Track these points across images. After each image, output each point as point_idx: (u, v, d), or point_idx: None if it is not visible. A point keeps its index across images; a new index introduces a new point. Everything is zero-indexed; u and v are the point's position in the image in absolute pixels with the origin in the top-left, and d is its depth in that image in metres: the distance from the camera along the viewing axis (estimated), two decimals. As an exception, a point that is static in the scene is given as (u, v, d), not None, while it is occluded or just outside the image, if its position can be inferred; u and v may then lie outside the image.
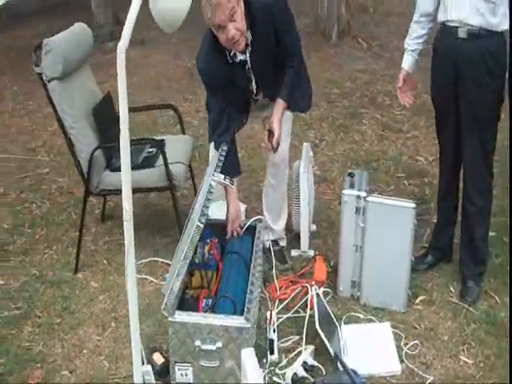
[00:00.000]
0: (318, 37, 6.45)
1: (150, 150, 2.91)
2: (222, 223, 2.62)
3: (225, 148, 2.40)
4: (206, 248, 2.52)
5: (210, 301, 2.25)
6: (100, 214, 3.50)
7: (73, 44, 2.88)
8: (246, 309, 2.08)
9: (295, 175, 2.90)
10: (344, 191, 2.51)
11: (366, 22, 6.96)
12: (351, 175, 2.60)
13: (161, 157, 2.79)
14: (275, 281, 2.79)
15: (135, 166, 2.82)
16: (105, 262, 3.11)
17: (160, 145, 2.78)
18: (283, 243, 3.05)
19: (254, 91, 2.61)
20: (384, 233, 2.45)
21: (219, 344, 2.05)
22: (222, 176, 2.19)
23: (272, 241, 2.98)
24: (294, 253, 3.03)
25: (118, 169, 2.79)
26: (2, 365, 2.47)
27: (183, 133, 3.32)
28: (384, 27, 6.70)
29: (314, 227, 3.16)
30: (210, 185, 2.09)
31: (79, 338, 2.60)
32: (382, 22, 6.89)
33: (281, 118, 2.57)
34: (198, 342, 2.07)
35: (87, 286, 2.95)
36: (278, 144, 2.59)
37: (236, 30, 2.26)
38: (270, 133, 2.55)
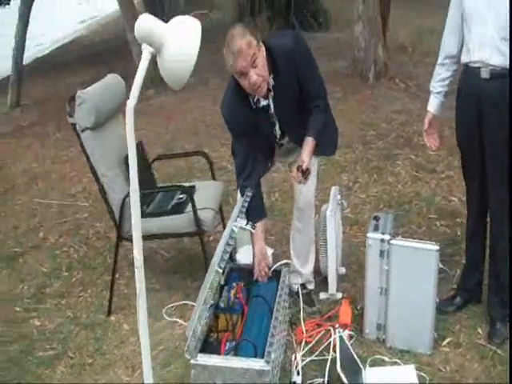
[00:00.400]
0: (355, 79, 6.51)
1: (181, 196, 2.99)
2: (249, 268, 2.65)
3: (249, 193, 2.45)
4: (232, 292, 2.55)
5: (233, 344, 2.27)
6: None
7: (105, 95, 3.01)
8: (266, 352, 2.09)
9: (322, 219, 2.92)
10: (368, 234, 2.51)
11: (403, 62, 6.98)
12: (376, 218, 2.61)
13: (190, 203, 2.88)
14: (302, 324, 2.79)
15: (165, 212, 2.93)
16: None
17: (189, 191, 2.85)
18: (311, 286, 3.05)
19: (278, 136, 2.66)
20: (408, 275, 2.44)
21: (239, 387, 2.06)
22: (244, 222, 2.23)
23: (300, 284, 2.99)
24: (322, 296, 3.02)
25: (147, 215, 2.92)
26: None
27: (214, 179, 3.41)
28: (422, 67, 6.64)
29: (342, 270, 3.15)
30: (232, 230, 2.14)
31: (110, 378, 2.65)
32: (420, 62, 6.86)
33: (310, 153, 2.55)
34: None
35: (119, 328, 3.00)
36: (308, 173, 2.55)
37: (258, 75, 2.29)
38: (299, 167, 2.57)
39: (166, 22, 1.40)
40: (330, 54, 7.23)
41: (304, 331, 2.72)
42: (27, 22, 7.18)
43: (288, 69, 2.42)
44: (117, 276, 3.40)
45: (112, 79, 3.17)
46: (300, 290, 2.96)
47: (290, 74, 2.44)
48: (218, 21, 10.59)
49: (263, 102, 2.49)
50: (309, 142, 2.56)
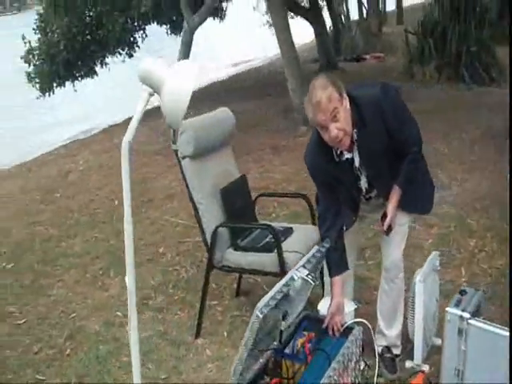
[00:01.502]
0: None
1: (278, 236, 3.03)
2: (323, 319, 2.60)
3: (325, 245, 2.42)
4: (300, 341, 2.52)
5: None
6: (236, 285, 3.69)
7: (208, 127, 3.15)
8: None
9: (412, 285, 2.77)
10: (448, 309, 2.34)
11: None
12: (462, 293, 2.42)
13: (284, 243, 2.91)
14: (375, 387, 2.66)
15: (255, 249, 2.99)
16: (225, 333, 3.24)
17: (275, 233, 2.87)
18: (397, 351, 2.89)
19: (364, 190, 2.58)
20: (485, 359, 2.22)
21: None
22: (306, 272, 2.20)
23: (385, 347, 2.86)
24: (408, 364, 2.84)
25: (242, 249, 3.01)
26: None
27: (313, 223, 3.40)
28: None
29: (438, 341, 2.94)
30: (291, 278, 2.13)
31: (177, 398, 2.76)
32: None
33: (395, 204, 2.47)
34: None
35: (202, 352, 3.09)
36: (390, 228, 2.50)
37: (338, 129, 2.23)
38: (384, 215, 2.51)
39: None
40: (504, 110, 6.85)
41: (374, 397, 2.59)
42: (189, 50, 7.87)
43: (375, 120, 2.32)
44: (215, 302, 3.55)
45: (221, 112, 3.32)
46: (383, 353, 2.82)
47: (378, 126, 2.33)
48: (392, 64, 10.58)
49: (347, 155, 2.42)
50: (395, 192, 2.47)
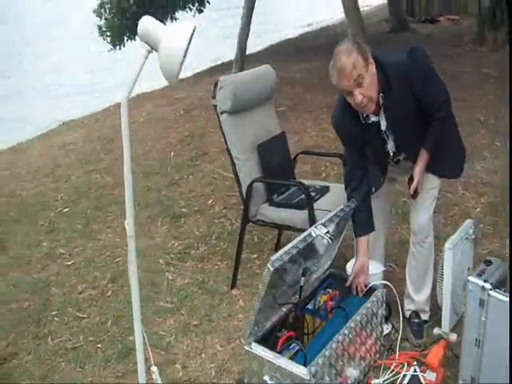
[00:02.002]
0: None
1: (311, 193, 3.03)
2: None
3: (350, 204, 2.41)
4: (323, 298, 2.55)
5: (298, 346, 2.29)
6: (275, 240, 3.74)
7: (250, 83, 3.15)
8: (314, 362, 2.08)
9: (443, 251, 2.72)
10: (469, 278, 2.29)
11: None
12: (487, 263, 2.35)
13: (318, 201, 2.92)
14: (397, 352, 2.66)
15: (289, 205, 3.02)
16: (260, 286, 3.33)
17: (307, 191, 2.87)
18: (425, 317, 2.86)
19: (391, 153, 2.54)
20: (504, 331, 2.16)
21: (283, 386, 2.09)
22: (324, 230, 2.21)
23: (412, 311, 2.84)
24: (436, 331, 2.80)
25: (276, 204, 3.05)
26: (131, 342, 2.89)
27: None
28: None
29: (467, 310, 2.90)
30: (309, 234, 2.15)
31: (205, 343, 2.86)
32: None
33: (422, 168, 2.45)
34: (266, 377, 2.14)
35: (235, 302, 3.19)
36: (417, 192, 2.48)
37: (363, 95, 2.22)
38: (411, 178, 2.48)
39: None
40: None
41: (396, 359, 2.59)
42: (252, 6, 7.80)
43: (402, 85, 2.28)
44: (255, 256, 3.63)
45: (264, 69, 3.30)
46: (411, 318, 2.81)
47: (404, 90, 2.29)
48: (465, 28, 10.07)
49: (373, 118, 2.39)
50: (422, 156, 2.43)
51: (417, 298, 2.82)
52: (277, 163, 3.15)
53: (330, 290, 2.61)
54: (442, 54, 7.16)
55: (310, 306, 2.54)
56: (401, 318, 2.71)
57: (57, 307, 3.26)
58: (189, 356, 2.78)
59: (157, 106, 7.53)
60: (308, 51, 9.94)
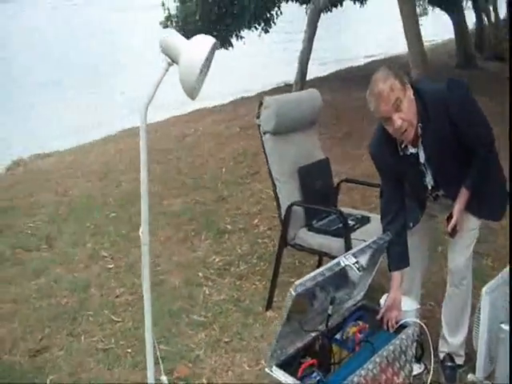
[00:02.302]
0: None
1: (350, 222, 3.01)
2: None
3: (385, 237, 2.37)
4: (352, 329, 2.51)
5: (320, 376, 2.26)
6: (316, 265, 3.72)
7: (292, 105, 3.15)
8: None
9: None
10: (502, 325, 2.21)
11: None
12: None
13: (357, 231, 2.90)
14: (427, 393, 2.59)
15: (327, 232, 3.01)
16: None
17: (344, 219, 2.85)
18: (459, 361, 2.77)
19: (429, 187, 2.47)
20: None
21: (300, 415, 2.08)
22: (353, 260, 2.18)
23: (446, 354, 2.76)
24: (470, 377, 2.72)
25: (315, 230, 3.05)
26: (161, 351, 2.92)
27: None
28: None
29: (508, 359, 2.79)
30: (338, 263, 2.13)
31: (233, 361, 2.86)
32: None
33: (462, 207, 2.38)
34: (284, 402, 2.13)
35: (268, 323, 3.18)
36: (455, 231, 2.42)
37: (402, 120, 2.16)
38: (450, 217, 2.42)
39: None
40: None
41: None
42: (314, 31, 7.85)
43: (440, 116, 2.21)
44: (294, 279, 3.60)
45: (310, 93, 3.32)
46: (445, 361, 2.73)
47: (443, 122, 2.22)
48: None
49: (411, 150, 2.33)
50: (462, 194, 2.36)
51: (451, 340, 2.74)
52: (318, 188, 3.15)
53: (360, 323, 2.57)
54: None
55: (338, 336, 2.51)
56: (432, 359, 2.65)
57: (93, 308, 3.34)
58: (215, 372, 2.79)
59: (215, 121, 7.67)
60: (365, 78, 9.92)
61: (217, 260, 3.90)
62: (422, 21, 11.27)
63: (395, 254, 2.49)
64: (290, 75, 9.90)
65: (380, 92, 2.13)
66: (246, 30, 8.89)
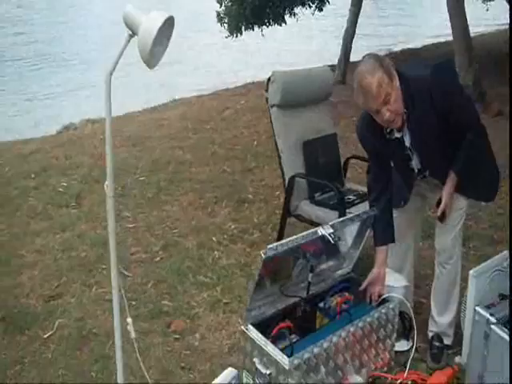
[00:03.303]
0: None
1: (351, 197, 3.08)
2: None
3: (369, 212, 2.43)
4: (336, 299, 2.60)
5: (296, 338, 2.38)
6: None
7: (300, 80, 3.22)
8: (297, 355, 2.16)
9: (470, 277, 2.66)
10: (477, 308, 2.25)
11: None
12: (502, 297, 2.29)
13: (356, 206, 2.97)
14: (407, 369, 2.65)
15: (326, 205, 3.11)
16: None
17: (340, 193, 2.93)
18: (448, 341, 2.80)
19: (416, 169, 2.50)
20: (503, 368, 2.12)
21: (269, 371, 2.20)
22: (330, 230, 2.26)
23: (435, 334, 2.80)
24: (457, 359, 2.76)
25: (316, 202, 3.14)
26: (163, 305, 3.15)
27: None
28: None
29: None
30: (315, 231, 2.23)
31: (228, 321, 3.02)
32: None
33: (450, 190, 2.41)
34: (256, 360, 2.25)
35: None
36: (444, 215, 2.45)
37: (390, 112, 2.18)
38: (439, 201, 2.46)
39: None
40: None
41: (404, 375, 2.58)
42: (358, 13, 7.76)
43: (425, 101, 2.23)
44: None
45: (321, 70, 3.38)
46: (433, 341, 2.78)
47: (428, 107, 2.24)
48: None
49: (396, 135, 2.35)
50: (450, 177, 2.39)
51: (440, 320, 2.78)
52: (323, 163, 3.23)
53: (346, 294, 2.66)
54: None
55: (321, 305, 2.61)
56: (415, 337, 2.71)
57: (108, 262, 3.56)
58: (210, 329, 2.97)
59: (258, 96, 7.74)
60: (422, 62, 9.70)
61: (232, 227, 4.04)
62: (489, 5, 10.90)
63: (380, 230, 2.54)
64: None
65: (368, 87, 2.14)
66: (299, 7, 8.84)
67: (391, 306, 2.57)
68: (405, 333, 2.81)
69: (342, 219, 2.38)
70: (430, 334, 2.79)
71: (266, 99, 3.20)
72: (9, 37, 15.38)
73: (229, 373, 2.28)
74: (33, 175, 4.93)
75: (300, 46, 13.26)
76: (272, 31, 8.86)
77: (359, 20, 8.27)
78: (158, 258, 3.64)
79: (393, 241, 2.60)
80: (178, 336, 2.91)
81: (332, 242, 2.26)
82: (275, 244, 2.13)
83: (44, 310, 3.12)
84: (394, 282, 2.75)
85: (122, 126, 6.35)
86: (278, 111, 3.17)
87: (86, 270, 3.48)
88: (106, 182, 1.94)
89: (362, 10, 8.12)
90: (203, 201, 4.45)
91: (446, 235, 2.59)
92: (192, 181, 4.80)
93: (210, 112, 6.85)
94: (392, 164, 2.56)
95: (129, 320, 2.13)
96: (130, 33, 1.73)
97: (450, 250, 2.62)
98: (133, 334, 2.13)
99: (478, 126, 2.40)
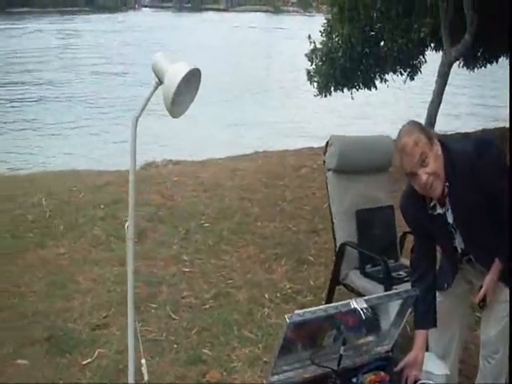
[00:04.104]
0: None
1: (401, 273, 3.01)
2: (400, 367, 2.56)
3: (411, 292, 2.36)
4: (370, 376, 2.52)
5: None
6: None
7: (358, 147, 3.22)
8: None
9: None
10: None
11: None
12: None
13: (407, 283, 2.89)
14: None
15: (375, 278, 3.04)
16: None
17: (386, 267, 2.86)
18: None
19: (459, 250, 2.39)
20: None
21: None
22: (364, 305, 2.21)
23: None
24: None
25: (365, 274, 3.09)
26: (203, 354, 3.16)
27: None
28: None
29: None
30: (346, 304, 2.19)
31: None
32: None
33: (493, 277, 2.29)
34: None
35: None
36: (484, 303, 2.34)
37: (428, 174, 2.11)
38: (481, 287, 2.35)
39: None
40: None
41: None
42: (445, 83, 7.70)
43: (467, 178, 2.13)
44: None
45: (381, 138, 3.35)
46: None
47: (471, 184, 2.14)
48: None
49: (439, 210, 2.26)
50: (495, 264, 2.28)
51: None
52: (377, 235, 3.17)
53: (382, 373, 2.57)
54: None
55: (354, 380, 2.54)
56: None
57: (158, 302, 3.66)
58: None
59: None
60: None
61: (287, 286, 4.01)
62: None
63: (420, 312, 2.44)
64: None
65: (404, 146, 2.11)
66: (390, 74, 8.90)
67: (427, 393, 2.46)
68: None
69: (378, 295, 2.32)
70: None
71: (323, 162, 3.24)
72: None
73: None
74: (102, 206, 5.17)
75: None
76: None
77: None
78: (207, 306, 3.67)
79: (434, 326, 2.49)
80: (210, 387, 2.93)
81: (363, 317, 2.21)
82: (303, 311, 2.12)
83: (88, 337, 3.22)
84: (435, 368, 2.64)
85: (198, 170, 6.59)
86: (333, 176, 3.19)
87: (136, 307, 3.57)
88: (127, 224, 2.01)
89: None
90: (263, 256, 4.47)
91: (491, 327, 2.43)
92: (255, 234, 4.84)
93: (287, 168, 6.95)
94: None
95: (143, 361, 2.18)
96: (157, 80, 1.84)
97: (494, 345, 2.45)
98: (145, 377, 2.16)
99: None
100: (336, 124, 12.02)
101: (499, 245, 2.27)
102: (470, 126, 11.63)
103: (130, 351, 2.14)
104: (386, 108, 13.76)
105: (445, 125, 9.39)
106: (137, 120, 1.90)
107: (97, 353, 3.10)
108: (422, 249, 2.47)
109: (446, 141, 2.24)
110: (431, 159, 2.12)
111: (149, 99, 1.86)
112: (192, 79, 1.83)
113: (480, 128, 10.71)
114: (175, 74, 1.77)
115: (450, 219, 2.31)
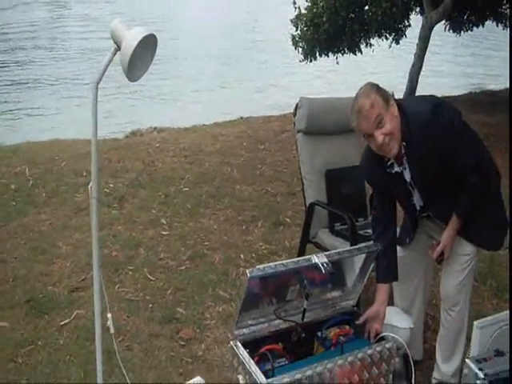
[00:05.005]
0: None
1: (369, 231, 3.06)
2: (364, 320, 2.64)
3: (370, 246, 2.42)
4: (334, 330, 2.60)
5: (283, 362, 2.41)
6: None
7: (328, 108, 3.25)
8: (277, 378, 2.19)
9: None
10: (467, 360, 2.19)
11: None
12: (497, 353, 2.23)
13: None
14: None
15: (343, 236, 3.11)
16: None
17: (352, 224, 2.93)
18: (450, 390, 2.76)
19: (418, 207, 2.47)
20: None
21: (247, 388, 2.25)
22: (325, 259, 2.27)
23: (438, 381, 2.75)
24: (457, 411, 2.71)
25: (333, 232, 3.16)
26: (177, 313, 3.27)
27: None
28: None
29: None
30: (309, 258, 2.26)
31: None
32: None
33: (451, 233, 2.38)
34: (240, 376, 2.31)
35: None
36: (441, 257, 2.43)
37: (384, 135, 2.16)
38: (437, 244, 2.44)
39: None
40: None
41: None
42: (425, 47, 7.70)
43: (423, 138, 2.19)
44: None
45: (350, 100, 3.32)
46: (435, 386, 2.74)
47: (427, 144, 2.19)
48: None
49: (396, 169, 2.34)
50: (453, 220, 2.36)
51: (443, 367, 2.72)
52: (346, 194, 3.22)
53: (346, 327, 2.66)
54: None
55: (318, 333, 2.62)
56: (413, 382, 2.66)
57: (135, 264, 3.75)
58: (216, 342, 3.06)
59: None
60: (502, 105, 9.40)
61: (263, 247, 4.13)
62: None
63: (382, 267, 2.52)
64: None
65: (360, 108, 2.15)
66: (375, 38, 8.86)
67: (387, 345, 2.54)
68: (408, 377, 2.78)
69: (338, 250, 2.39)
70: (434, 382, 2.74)
71: (293, 124, 3.27)
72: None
73: (196, 381, 2.36)
74: (84, 173, 5.22)
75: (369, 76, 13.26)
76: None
77: (436, 57, 8.21)
78: (183, 267, 3.78)
79: (395, 280, 2.58)
80: (183, 343, 3.03)
81: (323, 271, 2.28)
82: (263, 266, 2.19)
83: (66, 299, 3.34)
84: (399, 322, 2.73)
85: (181, 136, 6.60)
86: (303, 137, 3.23)
87: (113, 269, 3.67)
88: (91, 183, 2.06)
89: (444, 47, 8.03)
90: (240, 218, 4.56)
91: (451, 281, 2.53)
92: (234, 198, 4.92)
93: (269, 133, 6.98)
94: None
95: (109, 315, 2.26)
96: (116, 47, 1.87)
97: (454, 297, 2.55)
98: (112, 330, 2.25)
99: (481, 170, 2.31)
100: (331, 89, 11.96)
101: (456, 201, 2.35)
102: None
103: (95, 309, 2.21)
104: (379, 74, 13.65)
105: (425, 88, 9.35)
106: (97, 85, 1.94)
107: (75, 313, 3.22)
108: (382, 206, 2.55)
109: (403, 102, 2.29)
110: (387, 120, 2.16)
111: (108, 65, 1.90)
112: (147, 44, 1.87)
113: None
114: (131, 39, 1.81)
115: (408, 177, 2.38)
